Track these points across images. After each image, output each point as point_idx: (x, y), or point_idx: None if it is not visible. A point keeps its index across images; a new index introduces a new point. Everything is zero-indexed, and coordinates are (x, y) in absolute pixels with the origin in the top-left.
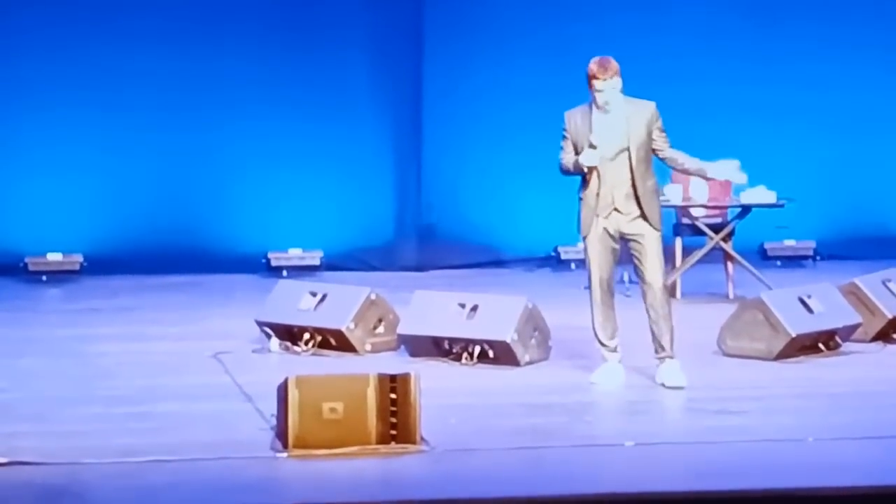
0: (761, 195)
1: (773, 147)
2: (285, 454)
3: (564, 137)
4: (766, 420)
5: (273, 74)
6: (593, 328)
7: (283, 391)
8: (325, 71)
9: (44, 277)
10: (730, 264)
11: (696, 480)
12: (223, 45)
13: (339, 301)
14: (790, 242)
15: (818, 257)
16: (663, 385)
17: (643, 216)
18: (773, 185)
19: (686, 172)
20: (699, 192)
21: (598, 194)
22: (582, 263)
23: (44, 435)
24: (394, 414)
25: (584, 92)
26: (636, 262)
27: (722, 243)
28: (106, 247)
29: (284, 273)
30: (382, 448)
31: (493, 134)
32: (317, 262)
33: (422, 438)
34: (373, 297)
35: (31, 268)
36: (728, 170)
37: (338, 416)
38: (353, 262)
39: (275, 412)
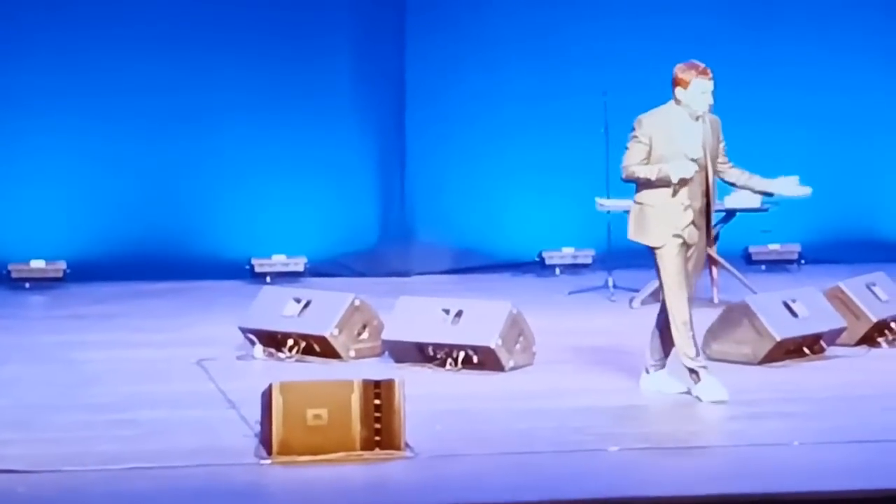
0: (745, 199)
1: (757, 151)
2: (269, 461)
3: (639, 142)
4: (751, 424)
5: (256, 81)
6: (683, 350)
7: (267, 398)
8: (308, 77)
9: (27, 284)
10: (714, 269)
11: (681, 485)
12: (206, 54)
13: (323, 307)
14: (775, 246)
15: (803, 261)
16: (691, 394)
17: (707, 231)
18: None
19: (749, 189)
20: None
21: (682, 204)
22: (567, 269)
23: (28, 442)
24: (378, 420)
25: (566, 97)
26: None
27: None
28: (89, 254)
29: (268, 279)
30: (367, 454)
31: (476, 139)
32: (301, 268)
33: (406, 444)
34: (357, 302)
35: (14, 275)
36: (791, 186)
37: (322, 423)
38: (337, 267)
39: (259, 419)
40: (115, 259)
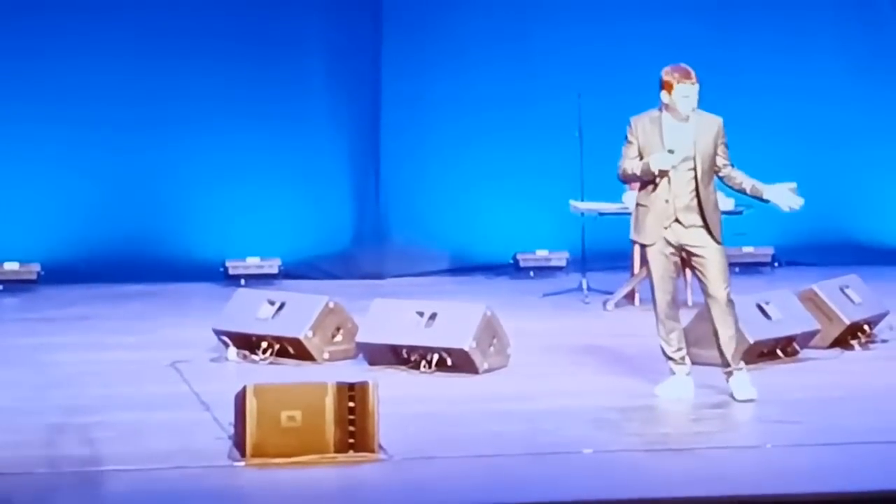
0: (720, 202)
1: (731, 155)
2: (243, 463)
3: (629, 143)
4: (724, 426)
5: (230, 84)
6: (661, 343)
7: (240, 400)
8: (283, 80)
9: (0, 287)
10: (688, 271)
11: (654, 488)
12: (180, 59)
13: (298, 309)
14: (748, 249)
15: (776, 264)
16: (732, 397)
17: (706, 228)
18: (731, 193)
19: (742, 192)
20: None
21: (666, 201)
22: (541, 271)
23: (0, 445)
24: (352, 422)
25: (540, 99)
26: (699, 275)
27: None
28: (63, 256)
29: (242, 282)
30: (340, 457)
31: (451, 142)
32: (275, 270)
33: (380, 447)
34: (331, 305)
35: None
36: (784, 194)
37: (296, 425)
38: (311, 270)
39: (232, 421)
40: (89, 261)
